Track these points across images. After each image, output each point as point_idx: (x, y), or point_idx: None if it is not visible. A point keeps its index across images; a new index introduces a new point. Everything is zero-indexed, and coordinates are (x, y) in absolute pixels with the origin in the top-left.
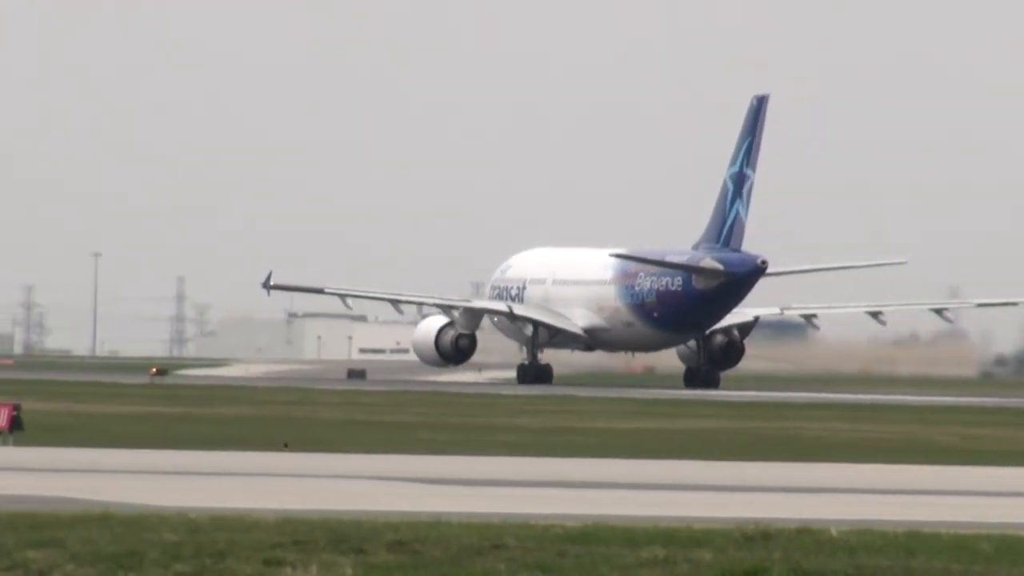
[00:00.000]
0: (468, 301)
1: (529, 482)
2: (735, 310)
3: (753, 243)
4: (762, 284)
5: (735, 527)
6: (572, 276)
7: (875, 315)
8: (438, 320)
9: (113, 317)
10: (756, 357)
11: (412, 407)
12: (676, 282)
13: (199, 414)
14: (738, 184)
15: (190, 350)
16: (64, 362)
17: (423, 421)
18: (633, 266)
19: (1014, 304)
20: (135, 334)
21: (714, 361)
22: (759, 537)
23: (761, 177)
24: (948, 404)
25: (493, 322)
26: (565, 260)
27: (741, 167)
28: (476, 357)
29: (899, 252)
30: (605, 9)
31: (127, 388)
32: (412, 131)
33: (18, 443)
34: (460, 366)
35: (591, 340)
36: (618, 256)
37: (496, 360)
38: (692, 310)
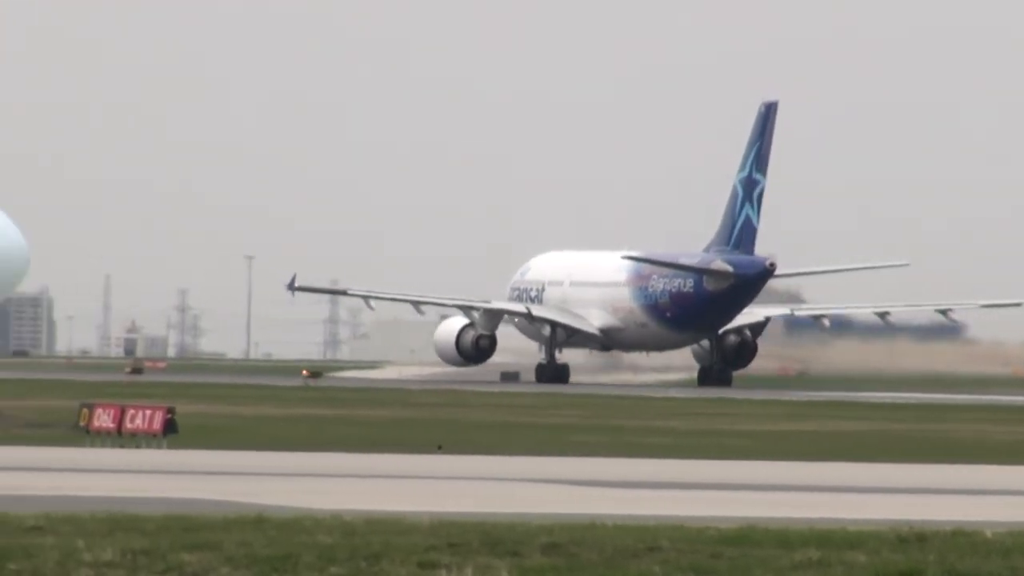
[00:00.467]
0: (488, 302)
1: (683, 484)
2: (745, 310)
3: (765, 245)
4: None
5: (889, 529)
6: (588, 278)
7: (882, 316)
8: (458, 321)
9: (267, 320)
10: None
11: (565, 409)
12: (688, 283)
13: (353, 416)
14: (748, 188)
15: (344, 353)
16: (218, 365)
17: (576, 423)
18: (647, 268)
19: None
20: (289, 337)
21: (727, 361)
22: (913, 539)
23: (775, 181)
24: None
25: (514, 323)
26: (582, 263)
27: (750, 172)
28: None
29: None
30: (633, 16)
31: (280, 391)
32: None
33: (172, 446)
34: (480, 365)
35: (607, 340)
36: (631, 258)
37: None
38: (703, 311)
